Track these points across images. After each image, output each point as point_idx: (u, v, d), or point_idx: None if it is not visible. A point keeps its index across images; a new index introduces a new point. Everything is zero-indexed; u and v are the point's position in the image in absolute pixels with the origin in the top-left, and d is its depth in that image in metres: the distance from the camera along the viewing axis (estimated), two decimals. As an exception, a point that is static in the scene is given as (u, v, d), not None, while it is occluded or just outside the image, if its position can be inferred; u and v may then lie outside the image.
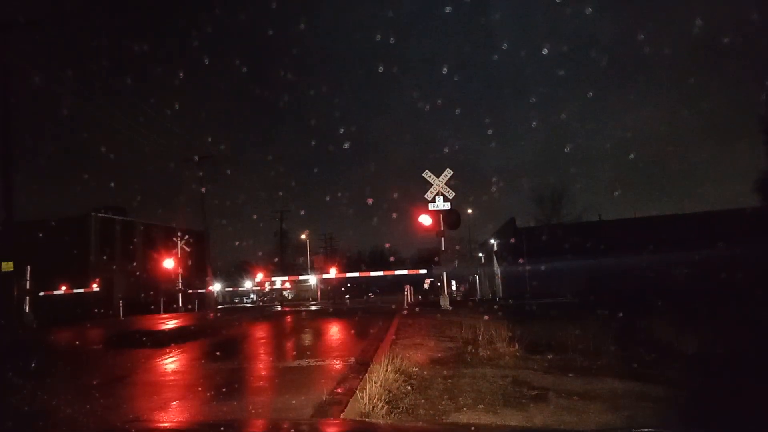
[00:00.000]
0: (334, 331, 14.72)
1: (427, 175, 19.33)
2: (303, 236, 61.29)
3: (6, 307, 18.47)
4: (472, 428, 2.98)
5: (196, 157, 39.86)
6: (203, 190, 40.09)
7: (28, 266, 21.53)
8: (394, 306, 23.02)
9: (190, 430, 3.04)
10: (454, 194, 19.19)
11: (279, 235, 63.55)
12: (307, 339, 13.41)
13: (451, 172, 19.33)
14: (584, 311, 10.30)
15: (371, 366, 6.42)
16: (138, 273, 39.55)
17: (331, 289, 47.39)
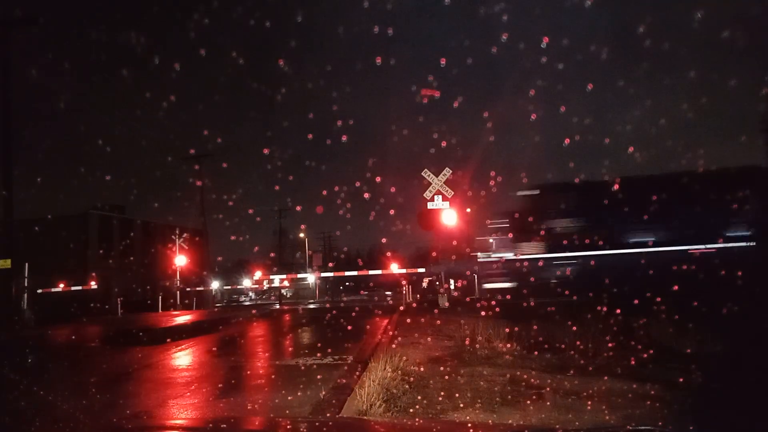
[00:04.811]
0: (332, 329, 14.72)
1: (426, 174, 19.32)
2: (301, 234, 61.26)
3: (4, 305, 18.43)
4: (470, 426, 2.99)
5: (192, 151, 39.79)
6: (199, 183, 39.91)
7: (26, 263, 21.52)
8: (392, 303, 23.03)
9: (188, 427, 3.04)
10: (453, 193, 19.20)
11: (278, 233, 63.52)
12: (305, 337, 13.41)
13: (450, 171, 19.33)
14: (583, 309, 10.30)
15: (369, 364, 6.43)
16: (136, 270, 39.51)
17: (329, 288, 47.38)
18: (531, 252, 22.44)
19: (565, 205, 23.38)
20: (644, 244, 21.24)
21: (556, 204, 23.46)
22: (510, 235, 23.03)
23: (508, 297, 20.78)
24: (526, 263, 21.81)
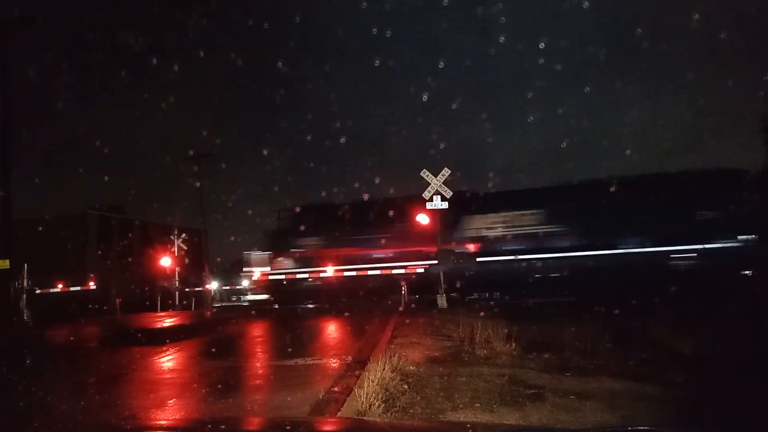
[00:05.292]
0: (331, 329, 14.72)
1: (425, 174, 19.32)
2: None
3: (2, 305, 18.41)
4: (469, 426, 2.99)
5: (192, 152, 39.70)
6: (198, 184, 39.77)
7: (25, 264, 21.47)
8: (390, 303, 23.03)
9: (187, 428, 3.03)
10: (452, 193, 19.19)
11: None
12: (303, 337, 13.39)
13: (449, 171, 19.32)
14: (582, 309, 10.33)
15: (368, 364, 6.42)
16: (135, 271, 39.49)
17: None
18: (284, 267, 24.30)
19: (310, 224, 25.58)
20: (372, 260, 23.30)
21: (304, 223, 25.72)
22: (268, 251, 25.16)
23: (507, 297, 21.11)
24: (279, 277, 23.67)
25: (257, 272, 25.16)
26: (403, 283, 26.80)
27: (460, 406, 5.07)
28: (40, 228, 30.28)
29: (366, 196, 26.43)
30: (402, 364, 6.57)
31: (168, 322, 19.87)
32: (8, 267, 17.87)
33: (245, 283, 25.90)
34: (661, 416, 4.87)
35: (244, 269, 25.93)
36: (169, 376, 8.16)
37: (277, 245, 25.09)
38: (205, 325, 17.47)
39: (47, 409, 6.09)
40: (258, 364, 9.12)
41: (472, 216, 22.28)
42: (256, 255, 25.68)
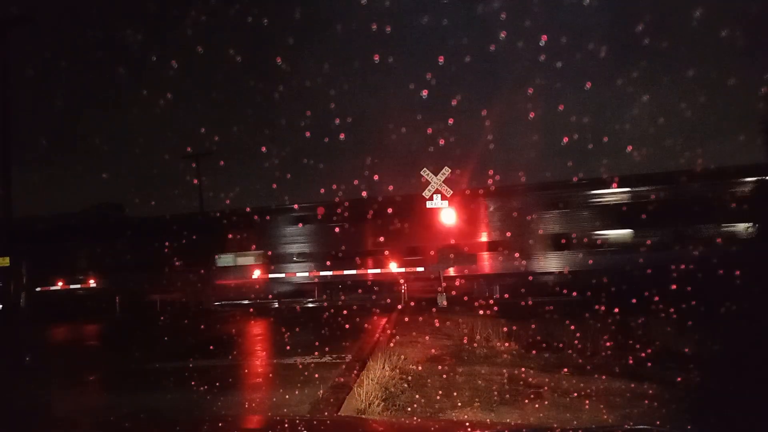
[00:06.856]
0: (331, 327, 14.71)
1: (425, 173, 19.31)
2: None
3: (2, 303, 18.43)
4: (468, 425, 2.99)
5: (189, 149, 39.60)
6: (195, 181, 39.70)
7: (25, 262, 21.47)
8: (390, 302, 23.04)
9: (185, 426, 3.03)
10: (452, 192, 19.20)
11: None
12: (303, 336, 13.38)
13: (449, 170, 19.31)
14: (582, 309, 10.33)
15: (368, 363, 6.43)
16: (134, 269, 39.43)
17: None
18: None
19: None
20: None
21: None
22: None
23: (506, 296, 21.12)
24: None
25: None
26: (402, 280, 26.82)
27: (460, 404, 5.07)
28: (40, 226, 30.36)
29: (364, 194, 26.39)
30: (401, 362, 6.58)
31: (166, 320, 19.84)
32: (8, 265, 17.89)
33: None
34: (660, 415, 4.87)
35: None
36: (166, 373, 8.15)
37: None
38: (205, 324, 17.46)
39: (42, 405, 6.09)
40: (257, 362, 9.13)
41: None
42: None
